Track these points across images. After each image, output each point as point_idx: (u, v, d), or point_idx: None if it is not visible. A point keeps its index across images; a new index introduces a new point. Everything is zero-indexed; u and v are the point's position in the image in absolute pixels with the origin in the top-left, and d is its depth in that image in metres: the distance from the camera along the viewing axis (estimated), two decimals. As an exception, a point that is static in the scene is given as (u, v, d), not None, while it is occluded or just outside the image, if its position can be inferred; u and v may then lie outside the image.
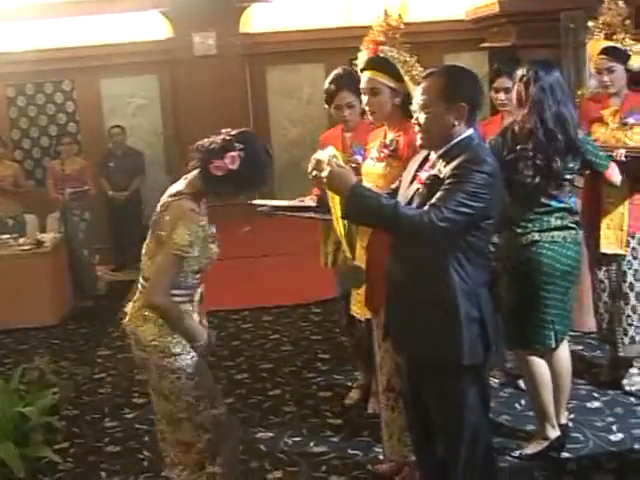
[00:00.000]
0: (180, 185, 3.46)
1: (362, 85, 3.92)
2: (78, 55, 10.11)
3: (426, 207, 3.09)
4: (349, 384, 5.49)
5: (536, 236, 4.13)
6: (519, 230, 4.16)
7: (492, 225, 3.23)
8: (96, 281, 9.13)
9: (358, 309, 4.13)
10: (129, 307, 3.59)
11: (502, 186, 3.30)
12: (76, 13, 9.95)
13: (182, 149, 10.48)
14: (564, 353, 4.34)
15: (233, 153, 3.32)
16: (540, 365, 4.26)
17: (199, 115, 9.96)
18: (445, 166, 3.17)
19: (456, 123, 3.19)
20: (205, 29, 10.29)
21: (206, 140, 3.43)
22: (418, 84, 3.44)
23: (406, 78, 3.82)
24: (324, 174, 3.21)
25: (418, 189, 3.28)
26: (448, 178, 3.11)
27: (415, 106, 3.30)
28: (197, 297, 3.56)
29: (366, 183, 3.74)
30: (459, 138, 3.21)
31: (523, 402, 4.99)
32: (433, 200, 3.09)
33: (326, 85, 4.90)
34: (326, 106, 4.94)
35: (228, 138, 3.37)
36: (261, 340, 6.65)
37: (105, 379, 6.10)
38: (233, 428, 3.74)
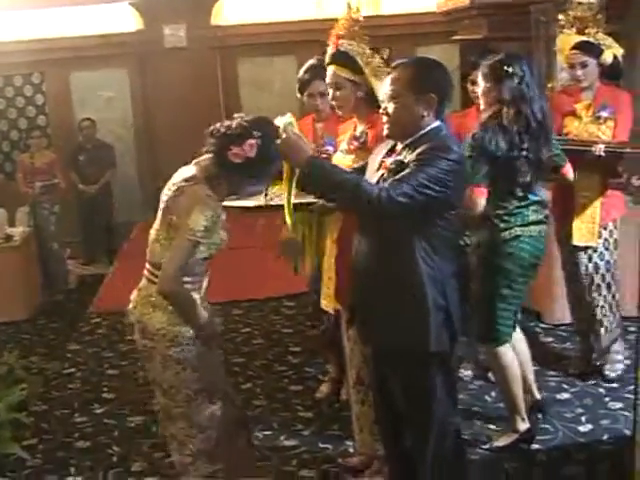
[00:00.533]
0: (192, 170, 3.37)
1: (327, 80, 3.95)
2: (48, 47, 10.02)
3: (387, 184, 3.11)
4: (320, 377, 5.48)
5: (518, 230, 4.13)
6: (502, 225, 4.14)
7: (456, 215, 3.25)
8: (66, 275, 9.08)
9: (327, 302, 4.12)
10: (134, 294, 3.52)
11: (464, 175, 3.30)
12: (46, 4, 9.85)
13: (152, 142, 10.49)
14: (520, 335, 4.42)
15: (252, 141, 3.25)
16: (509, 357, 4.28)
17: (170, 108, 9.92)
18: (411, 153, 3.18)
19: (425, 114, 3.20)
20: (176, 21, 10.23)
21: (220, 125, 3.34)
22: (377, 75, 3.46)
23: (366, 70, 3.83)
24: (278, 141, 3.19)
25: (383, 174, 3.28)
26: (413, 162, 3.12)
27: (383, 96, 3.30)
28: (204, 285, 3.51)
29: None
30: (427, 129, 3.21)
31: (493, 394, 5.00)
32: (395, 178, 3.10)
33: (300, 74, 4.92)
34: (299, 95, 4.94)
35: (246, 124, 3.29)
36: (232, 334, 6.62)
37: (75, 374, 6.03)
38: (238, 424, 3.63)
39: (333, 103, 3.95)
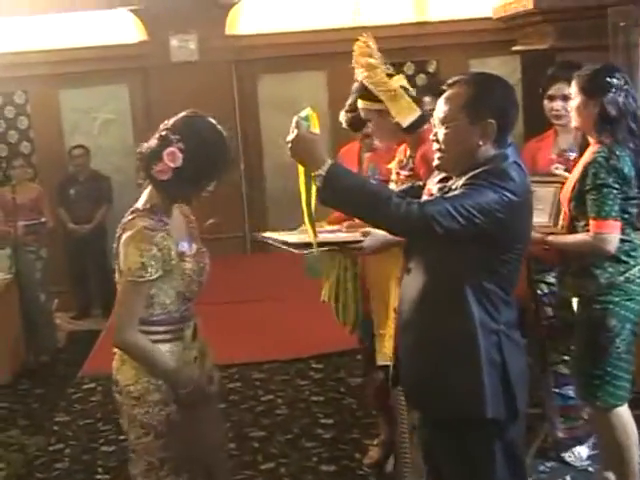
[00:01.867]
0: (138, 202, 3.51)
1: None
2: (33, 61, 10.08)
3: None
4: (357, 456, 5.44)
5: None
6: (627, 261, 4.28)
7: (517, 259, 3.23)
8: (54, 331, 9.07)
9: (382, 356, 4.32)
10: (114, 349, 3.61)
11: (528, 212, 3.29)
12: (31, 12, 9.97)
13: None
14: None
15: (171, 149, 3.35)
16: (625, 416, 4.37)
17: (177, 132, 9.97)
18: (461, 178, 3.20)
19: (481, 143, 3.19)
20: (184, 31, 10.31)
21: (145, 144, 3.47)
22: (395, 99, 3.62)
23: (383, 98, 4.12)
24: (289, 138, 3.22)
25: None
26: (461, 187, 3.13)
27: (435, 119, 3.31)
28: (189, 331, 3.54)
29: None
30: (484, 159, 3.20)
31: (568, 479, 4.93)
32: (436, 197, 3.17)
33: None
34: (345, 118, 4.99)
35: (162, 133, 3.40)
36: (251, 402, 6.60)
37: (63, 451, 6.02)
38: None
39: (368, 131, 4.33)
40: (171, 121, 3.46)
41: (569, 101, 4.55)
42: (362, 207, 3.14)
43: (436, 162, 3.32)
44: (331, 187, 3.09)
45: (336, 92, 10.41)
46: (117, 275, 3.49)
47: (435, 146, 3.30)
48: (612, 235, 4.16)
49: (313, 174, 3.13)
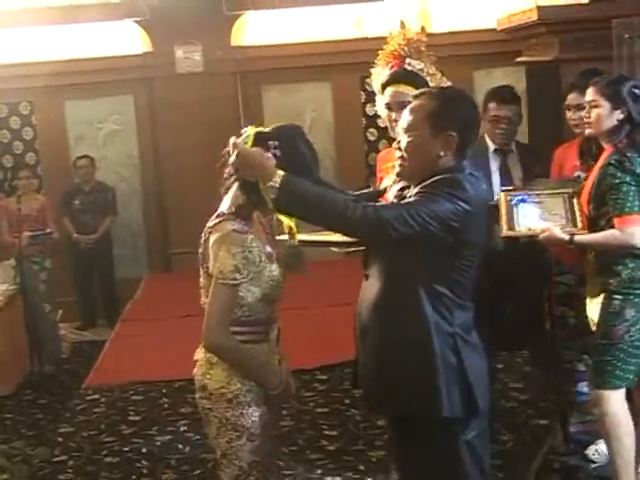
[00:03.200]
0: (223, 205, 3.50)
1: (388, 100, 4.35)
2: (38, 72, 10.06)
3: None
4: (362, 468, 5.41)
5: None
6: None
7: (470, 266, 3.31)
8: (59, 342, 9.04)
9: None
10: (197, 354, 3.61)
11: (481, 223, 3.34)
12: (36, 22, 9.99)
13: (162, 183, 10.53)
14: None
15: (267, 154, 3.35)
16: (618, 405, 4.47)
17: (183, 143, 9.96)
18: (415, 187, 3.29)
19: (442, 154, 3.28)
20: (190, 42, 10.32)
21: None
22: None
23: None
24: (231, 159, 3.30)
25: None
26: (415, 195, 3.23)
27: (399, 128, 3.43)
28: (274, 334, 3.60)
29: None
30: (443, 170, 3.27)
31: None
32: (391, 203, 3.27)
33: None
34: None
35: (263, 137, 3.42)
36: (255, 414, 6.55)
37: (67, 462, 5.98)
38: None
39: (396, 124, 4.14)
40: (269, 127, 3.47)
41: (583, 110, 4.70)
42: (318, 213, 3.25)
43: (397, 169, 3.43)
44: (285, 196, 3.18)
45: (341, 103, 10.46)
46: (202, 279, 3.52)
47: (397, 154, 3.41)
48: (637, 228, 4.32)
49: (265, 186, 3.21)
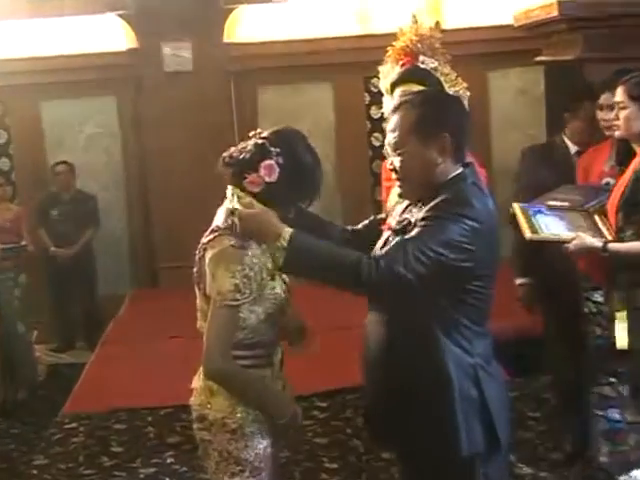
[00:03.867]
0: (218, 218, 3.50)
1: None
2: (11, 70, 10.07)
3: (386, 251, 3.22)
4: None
5: None
6: None
7: (487, 287, 3.31)
8: (34, 365, 9.04)
9: None
10: (194, 382, 3.62)
11: (493, 236, 3.35)
12: (8, 16, 9.97)
13: (148, 192, 10.53)
14: None
15: (269, 161, 3.37)
16: None
17: (171, 149, 9.95)
18: (421, 207, 3.27)
19: (440, 160, 3.28)
20: (178, 38, 10.32)
21: (234, 149, 3.49)
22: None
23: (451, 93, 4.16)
24: (236, 220, 3.32)
25: (388, 239, 3.38)
26: (420, 221, 3.21)
27: (387, 147, 3.44)
28: (277, 358, 3.61)
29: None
30: (446, 179, 3.28)
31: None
32: (397, 241, 3.22)
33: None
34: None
35: (260, 142, 3.42)
36: (249, 444, 6.54)
37: (42, 497, 5.98)
38: None
39: None
40: (267, 132, 3.48)
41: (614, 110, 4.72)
42: (330, 278, 3.28)
43: (399, 191, 3.44)
44: (294, 258, 3.21)
45: (343, 105, 10.46)
46: (199, 300, 3.53)
47: (394, 176, 3.41)
48: None
49: (276, 246, 3.23)
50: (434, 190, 3.27)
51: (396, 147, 3.34)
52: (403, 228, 3.29)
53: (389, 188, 4.66)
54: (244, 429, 3.44)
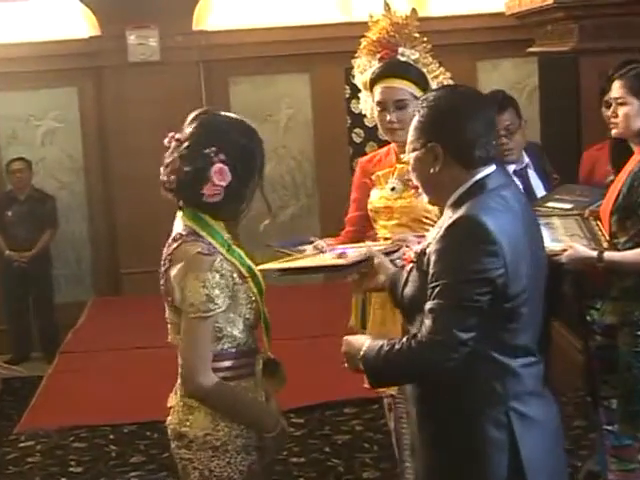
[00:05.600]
0: (177, 225, 3.50)
1: (379, 98, 4.39)
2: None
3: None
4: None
5: None
6: None
7: (522, 306, 3.21)
8: (-15, 379, 9.03)
9: None
10: (171, 400, 3.61)
11: (520, 248, 3.24)
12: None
13: (111, 191, 10.50)
14: None
15: (217, 165, 3.37)
16: None
17: (136, 145, 9.92)
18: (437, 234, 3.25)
19: (432, 171, 3.28)
20: (144, 25, 10.30)
21: (165, 171, 3.49)
22: None
23: (432, 82, 4.25)
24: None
25: (411, 269, 3.38)
26: (433, 259, 3.17)
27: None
28: (259, 367, 3.58)
29: (385, 222, 4.34)
30: (463, 189, 3.26)
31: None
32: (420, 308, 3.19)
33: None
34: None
35: (195, 150, 3.40)
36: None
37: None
38: None
39: (390, 125, 4.36)
40: (190, 130, 3.47)
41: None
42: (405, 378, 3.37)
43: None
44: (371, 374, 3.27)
45: (322, 98, 10.44)
46: (168, 313, 3.52)
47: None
48: None
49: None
50: (448, 197, 3.28)
51: (408, 145, 3.39)
52: (419, 260, 3.27)
53: (367, 185, 4.67)
54: (227, 446, 3.43)
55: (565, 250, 4.36)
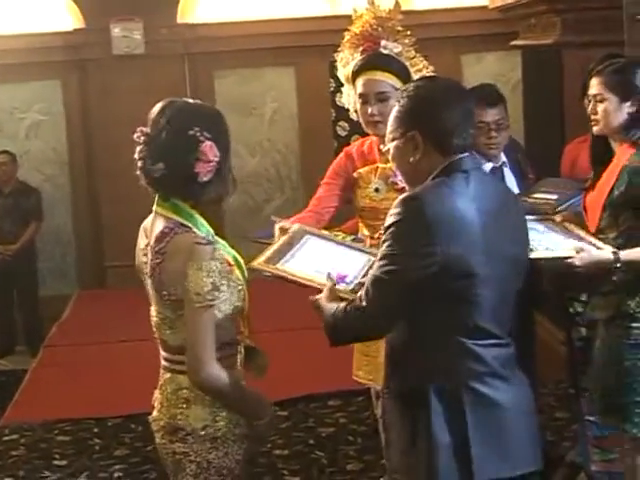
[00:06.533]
0: (159, 222, 3.49)
1: (361, 90, 4.43)
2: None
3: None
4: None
5: None
6: None
7: (477, 287, 3.24)
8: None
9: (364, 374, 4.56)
10: (155, 396, 3.59)
11: (477, 230, 3.26)
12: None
13: (95, 184, 10.49)
14: None
15: (204, 144, 3.38)
16: None
17: (120, 138, 9.88)
18: None
19: (411, 160, 3.32)
20: (129, 18, 10.30)
21: (139, 164, 3.57)
22: None
23: (414, 74, 4.28)
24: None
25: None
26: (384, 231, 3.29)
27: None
28: (240, 357, 3.60)
29: (371, 222, 4.47)
30: (435, 173, 3.31)
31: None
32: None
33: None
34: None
35: (179, 133, 3.43)
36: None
37: (-21, 516, 5.97)
38: None
39: (372, 118, 4.39)
40: (166, 119, 3.52)
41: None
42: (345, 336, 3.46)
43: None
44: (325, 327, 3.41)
45: (306, 92, 10.44)
46: (158, 310, 3.50)
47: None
48: None
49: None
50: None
51: (388, 134, 3.44)
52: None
53: (346, 172, 4.69)
54: (227, 435, 3.45)
55: (578, 251, 4.15)
